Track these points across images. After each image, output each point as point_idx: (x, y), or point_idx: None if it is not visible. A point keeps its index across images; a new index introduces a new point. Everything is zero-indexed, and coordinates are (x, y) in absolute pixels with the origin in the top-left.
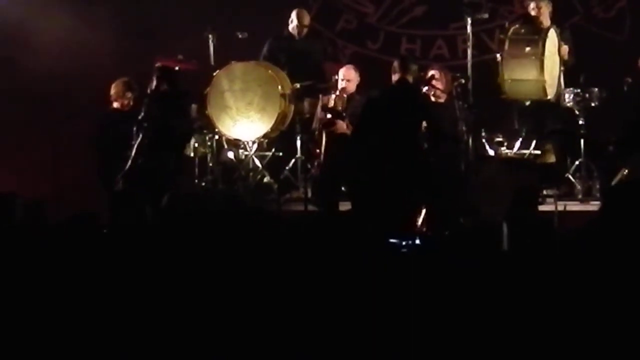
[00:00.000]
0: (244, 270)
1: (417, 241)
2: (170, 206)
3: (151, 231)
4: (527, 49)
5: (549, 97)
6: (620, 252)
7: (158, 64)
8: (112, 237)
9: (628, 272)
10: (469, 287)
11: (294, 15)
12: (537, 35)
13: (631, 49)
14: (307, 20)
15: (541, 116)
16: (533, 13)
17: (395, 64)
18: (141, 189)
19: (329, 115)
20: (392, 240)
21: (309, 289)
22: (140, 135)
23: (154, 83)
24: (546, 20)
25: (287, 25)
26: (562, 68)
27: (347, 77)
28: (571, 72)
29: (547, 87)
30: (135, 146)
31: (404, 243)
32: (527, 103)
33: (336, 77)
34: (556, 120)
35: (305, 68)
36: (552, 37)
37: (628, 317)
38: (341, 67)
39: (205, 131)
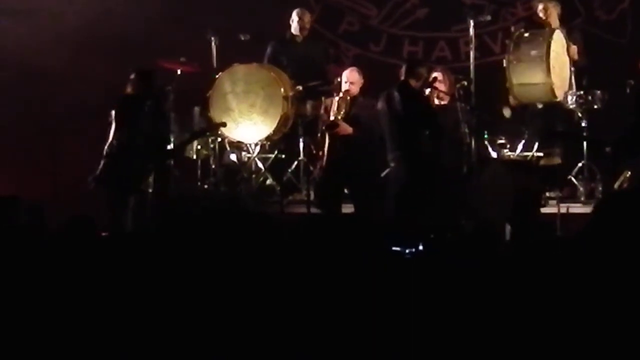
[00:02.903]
0: (246, 273)
1: (420, 247)
2: (172, 208)
3: (151, 233)
4: (533, 52)
5: (558, 99)
6: (613, 257)
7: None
8: (109, 241)
9: (623, 276)
10: (470, 289)
11: (294, 15)
12: (541, 37)
13: (633, 51)
14: (307, 18)
15: (552, 118)
16: (541, 15)
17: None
18: (110, 191)
19: (332, 118)
20: (395, 248)
21: (312, 292)
22: (110, 137)
23: (128, 86)
24: (555, 22)
25: (289, 27)
26: (572, 69)
27: (350, 80)
28: (584, 73)
29: (555, 89)
30: (105, 148)
31: (407, 250)
32: (540, 106)
33: (339, 79)
34: (565, 124)
35: (308, 71)
36: (558, 38)
37: (625, 320)
38: (344, 69)
39: (207, 133)
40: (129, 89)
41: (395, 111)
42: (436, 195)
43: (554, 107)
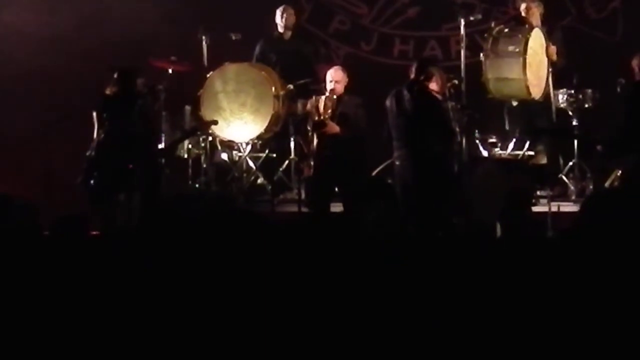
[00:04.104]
0: (237, 272)
1: None
2: (163, 207)
3: (140, 233)
4: (510, 47)
5: (533, 97)
6: (600, 255)
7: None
8: (99, 240)
9: (610, 273)
10: (461, 287)
11: (278, 11)
12: (520, 34)
13: (624, 50)
14: (290, 11)
15: (529, 116)
16: (523, 14)
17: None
18: (92, 192)
19: (321, 117)
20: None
21: (303, 291)
22: (94, 136)
23: (109, 86)
24: (536, 22)
25: (277, 26)
26: (550, 69)
27: (335, 79)
28: (562, 74)
29: (530, 86)
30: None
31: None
32: (515, 103)
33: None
34: (544, 121)
35: (297, 69)
36: (537, 36)
37: (616, 316)
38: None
39: (199, 132)
40: (110, 89)
41: (404, 110)
42: (438, 194)
43: (532, 106)
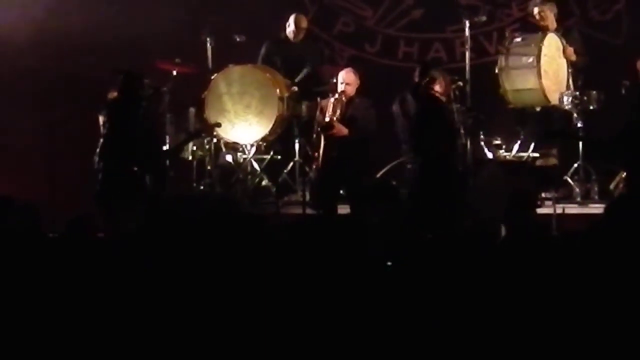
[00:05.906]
0: (242, 274)
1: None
2: (167, 209)
3: (144, 235)
4: (524, 58)
5: (552, 103)
6: (619, 259)
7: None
8: (104, 242)
9: (624, 277)
10: (466, 288)
11: (291, 20)
12: (533, 43)
13: (628, 52)
14: (304, 24)
15: (549, 120)
16: (537, 18)
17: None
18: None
19: (327, 119)
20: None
21: (307, 292)
22: (100, 143)
23: (115, 89)
24: (552, 24)
25: (284, 28)
26: (570, 70)
27: (347, 81)
28: (586, 71)
29: (548, 93)
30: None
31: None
32: (538, 109)
33: (335, 80)
34: (564, 123)
35: (301, 71)
36: (552, 41)
37: (621, 320)
38: (339, 70)
39: (203, 134)
40: (115, 92)
41: (408, 114)
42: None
43: (551, 110)
